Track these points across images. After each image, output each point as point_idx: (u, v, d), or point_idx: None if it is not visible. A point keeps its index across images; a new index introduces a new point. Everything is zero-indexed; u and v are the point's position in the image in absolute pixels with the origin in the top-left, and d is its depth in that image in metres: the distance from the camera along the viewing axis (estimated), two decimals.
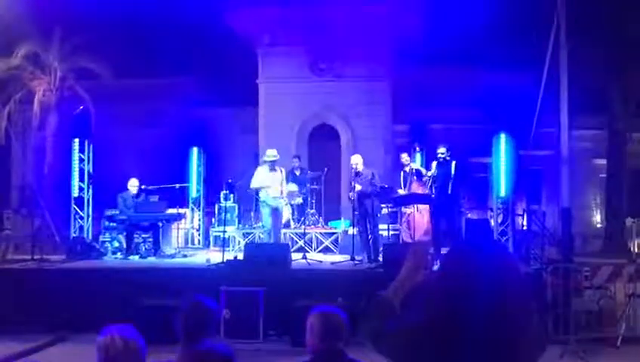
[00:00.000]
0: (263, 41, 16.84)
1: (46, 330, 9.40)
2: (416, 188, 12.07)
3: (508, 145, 12.31)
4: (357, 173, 11.14)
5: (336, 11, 15.65)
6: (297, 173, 13.96)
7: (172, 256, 12.32)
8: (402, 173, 12.48)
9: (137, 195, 12.57)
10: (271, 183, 11.79)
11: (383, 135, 16.64)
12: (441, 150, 11.74)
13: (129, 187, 12.49)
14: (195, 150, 15.15)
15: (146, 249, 12.51)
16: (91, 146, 13.60)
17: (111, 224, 13.02)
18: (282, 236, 13.04)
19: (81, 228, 13.24)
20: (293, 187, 13.37)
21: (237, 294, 9.35)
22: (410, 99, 17.02)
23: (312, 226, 13.30)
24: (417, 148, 14.50)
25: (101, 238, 13.12)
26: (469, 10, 13.98)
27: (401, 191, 12.12)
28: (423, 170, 12.04)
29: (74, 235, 13.06)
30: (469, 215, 13.99)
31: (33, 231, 12.60)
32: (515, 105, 12.42)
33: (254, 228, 13.52)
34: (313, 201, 13.80)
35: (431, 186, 11.68)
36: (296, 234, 13.08)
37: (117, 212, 12.53)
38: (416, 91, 17.12)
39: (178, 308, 3.67)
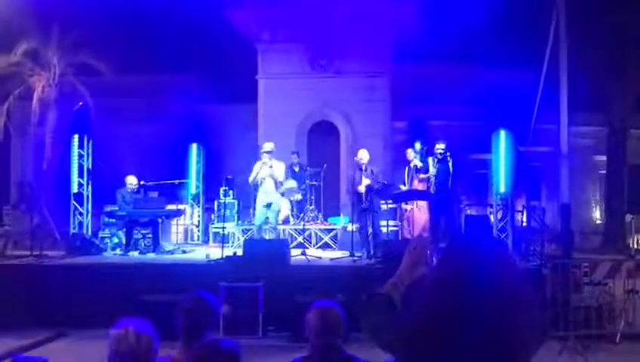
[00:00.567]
0: (263, 38, 16.84)
1: (45, 326, 9.42)
2: (417, 185, 12.08)
3: (507, 142, 12.30)
4: (365, 168, 11.18)
5: (335, 8, 15.65)
6: (296, 169, 13.96)
7: (171, 252, 12.33)
8: (407, 168, 12.47)
9: (137, 191, 12.58)
10: (265, 176, 11.76)
11: (382, 131, 16.64)
12: (440, 146, 11.75)
13: (127, 184, 12.50)
14: (194, 146, 15.14)
15: (145, 245, 12.51)
16: (91, 142, 13.59)
17: (110, 220, 13.04)
18: (281, 232, 13.07)
19: (81, 224, 13.23)
20: (293, 183, 13.37)
21: (236, 290, 9.37)
22: (410, 96, 17.02)
23: (311, 222, 13.31)
24: (419, 146, 14.47)
25: (100, 234, 13.13)
26: (468, 7, 13.97)
27: (403, 188, 12.12)
28: (424, 167, 11.99)
29: (73, 231, 13.05)
30: (468, 211, 14.00)
31: (32, 227, 12.59)
32: (514, 102, 12.41)
33: (254, 224, 13.53)
34: (312, 197, 13.80)
35: (430, 183, 11.69)
36: (296, 230, 13.09)
37: (116, 208, 12.53)
38: (416, 88, 17.12)
39: (178, 304, 3.66)
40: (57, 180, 15.30)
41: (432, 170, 11.76)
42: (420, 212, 12.29)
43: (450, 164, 11.44)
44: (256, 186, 11.96)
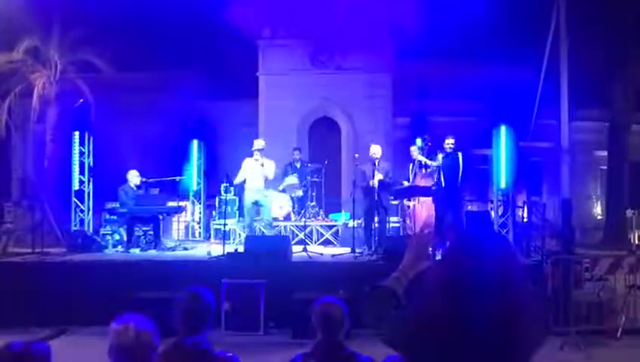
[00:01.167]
0: (264, 34, 16.83)
1: (47, 323, 9.43)
2: (419, 181, 12.08)
3: (508, 137, 12.29)
4: (377, 163, 11.20)
5: (336, 4, 15.62)
6: (298, 165, 13.97)
7: (173, 249, 12.35)
8: (411, 165, 12.47)
9: (139, 187, 12.58)
10: (252, 175, 11.79)
11: (383, 127, 16.62)
12: (449, 141, 11.74)
13: (130, 178, 12.48)
14: (195, 143, 15.14)
15: (146, 242, 12.53)
16: (91, 139, 13.60)
17: (111, 217, 13.05)
18: (283, 229, 13.09)
19: (82, 221, 13.25)
20: (294, 179, 13.39)
21: (238, 287, 9.39)
22: (411, 92, 17.00)
23: (313, 219, 13.32)
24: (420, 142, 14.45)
25: (102, 231, 13.14)
26: (469, 2, 13.94)
27: (406, 183, 12.14)
28: (429, 162, 11.94)
29: (74, 228, 13.06)
30: (469, 207, 14.00)
31: (34, 224, 12.60)
32: (515, 97, 12.40)
33: (255, 220, 13.54)
34: (313, 194, 13.81)
35: (438, 177, 11.66)
36: (297, 226, 13.10)
37: (117, 205, 12.54)
38: (417, 84, 17.11)
39: (174, 301, 3.65)
40: (58, 177, 15.30)
41: (436, 163, 11.71)
42: (422, 208, 12.29)
43: (460, 159, 11.45)
44: (242, 185, 12.00)
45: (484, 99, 13.58)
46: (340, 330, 3.55)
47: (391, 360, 3.30)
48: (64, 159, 14.41)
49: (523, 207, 13.15)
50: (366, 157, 11.63)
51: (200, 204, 15.17)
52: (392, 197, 12.32)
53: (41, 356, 2.90)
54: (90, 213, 13.44)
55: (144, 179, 12.67)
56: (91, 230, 13.23)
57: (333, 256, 11.21)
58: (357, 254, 11.01)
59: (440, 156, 11.70)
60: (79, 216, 13.25)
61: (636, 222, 13.32)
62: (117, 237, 12.79)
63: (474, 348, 1.67)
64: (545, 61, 11.93)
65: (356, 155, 12.26)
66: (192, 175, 15.02)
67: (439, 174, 11.64)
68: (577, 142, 15.62)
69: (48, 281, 10.06)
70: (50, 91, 16.50)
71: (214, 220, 14.34)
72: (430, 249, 2.29)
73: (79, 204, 13.28)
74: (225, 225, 12.08)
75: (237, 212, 14.12)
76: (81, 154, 13.40)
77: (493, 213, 12.76)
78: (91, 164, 13.53)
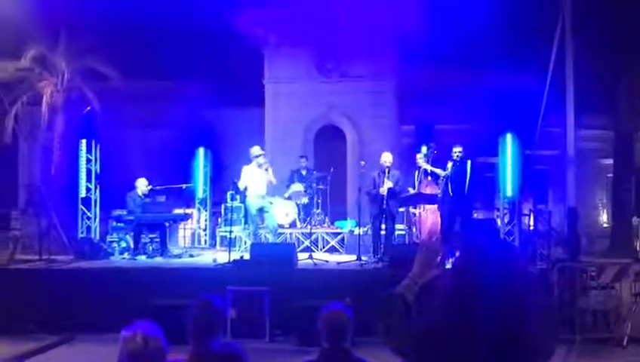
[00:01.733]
0: (269, 42, 16.85)
1: (53, 330, 9.46)
2: (425, 188, 12.07)
3: (514, 145, 12.30)
4: (388, 171, 11.21)
5: (342, 12, 15.65)
6: (303, 173, 13.99)
7: (179, 256, 12.36)
8: (417, 172, 12.46)
9: (147, 195, 12.61)
10: (253, 181, 11.81)
11: (389, 135, 16.60)
12: (457, 149, 11.73)
13: (138, 185, 12.50)
14: (201, 150, 15.16)
15: (153, 249, 12.56)
16: (98, 147, 13.66)
17: (118, 224, 13.08)
18: (288, 236, 13.09)
19: (89, 228, 13.30)
20: (299, 187, 13.41)
21: (243, 294, 9.40)
22: (417, 100, 16.98)
23: (318, 226, 13.33)
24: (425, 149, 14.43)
25: (108, 238, 13.17)
26: (474, 10, 13.96)
27: (411, 191, 12.12)
28: (438, 171, 11.88)
29: (81, 235, 13.11)
30: (475, 215, 13.97)
31: (41, 231, 12.65)
32: (521, 105, 12.40)
33: (261, 228, 13.55)
34: (319, 201, 13.82)
35: (445, 186, 11.62)
36: (303, 234, 13.11)
37: (124, 212, 12.58)
38: (423, 91, 17.08)
39: (187, 308, 3.69)
40: (65, 185, 15.37)
41: (445, 173, 11.66)
42: (427, 216, 12.28)
43: (468, 167, 11.44)
44: (244, 191, 12.02)
45: (489, 106, 13.58)
46: (346, 338, 3.56)
47: None
48: (71, 166, 14.49)
49: (529, 215, 13.12)
50: (372, 165, 11.65)
51: (206, 211, 15.19)
52: (398, 205, 12.30)
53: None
54: (97, 220, 13.49)
55: (150, 187, 12.71)
56: (98, 237, 13.28)
57: (338, 263, 11.20)
58: (363, 262, 11.00)
59: (449, 165, 11.68)
60: (86, 223, 13.30)
61: None
62: (123, 244, 12.82)
63: (484, 358, 1.68)
64: (551, 69, 11.94)
65: (362, 163, 12.26)
66: (199, 182, 15.05)
67: (447, 182, 11.60)
68: (583, 150, 15.59)
69: (55, 288, 10.10)
70: (57, 99, 16.59)
71: (220, 227, 14.35)
72: (439, 257, 2.30)
73: (86, 211, 13.33)
74: (230, 232, 12.10)
75: (243, 219, 14.13)
76: (88, 161, 13.46)
77: (499, 221, 12.75)
78: (98, 171, 13.59)
